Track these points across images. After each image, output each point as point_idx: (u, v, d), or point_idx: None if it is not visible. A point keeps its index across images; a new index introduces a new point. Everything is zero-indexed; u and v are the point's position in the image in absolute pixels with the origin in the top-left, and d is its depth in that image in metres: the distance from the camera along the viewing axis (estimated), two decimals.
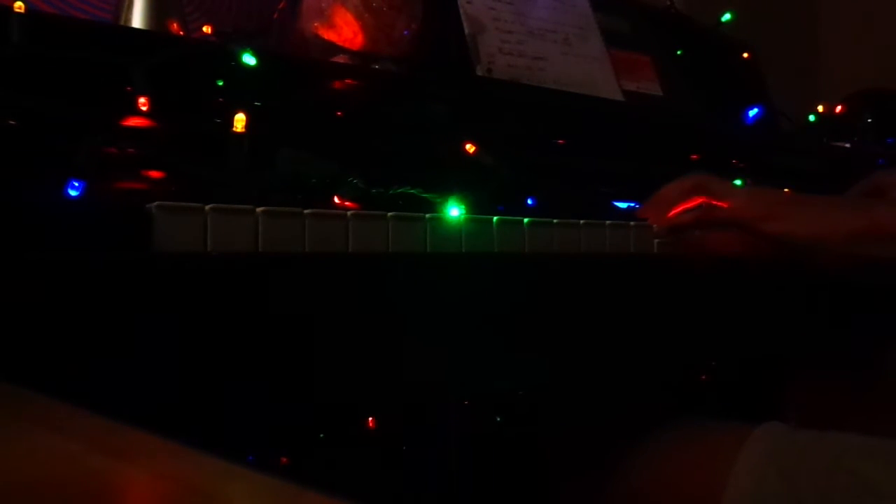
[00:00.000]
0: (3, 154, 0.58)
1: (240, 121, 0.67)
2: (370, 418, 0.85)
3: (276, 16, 1.10)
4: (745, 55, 1.49)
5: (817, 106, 1.66)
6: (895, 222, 0.91)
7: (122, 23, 1.00)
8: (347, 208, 0.70)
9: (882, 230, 0.91)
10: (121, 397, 0.53)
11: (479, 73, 1.02)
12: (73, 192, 0.56)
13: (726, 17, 1.45)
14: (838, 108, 1.66)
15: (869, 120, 1.64)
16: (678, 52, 1.34)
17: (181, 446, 0.31)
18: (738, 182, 1.04)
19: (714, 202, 0.94)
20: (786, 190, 1.06)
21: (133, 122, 0.65)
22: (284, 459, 0.77)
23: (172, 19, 1.03)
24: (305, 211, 0.64)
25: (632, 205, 0.97)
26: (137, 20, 1.00)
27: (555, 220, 0.81)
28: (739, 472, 0.77)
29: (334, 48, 1.01)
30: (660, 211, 0.94)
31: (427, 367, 0.74)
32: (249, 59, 0.76)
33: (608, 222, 0.85)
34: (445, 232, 0.72)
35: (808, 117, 1.64)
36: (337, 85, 0.90)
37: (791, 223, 0.92)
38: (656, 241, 0.91)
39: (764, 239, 0.94)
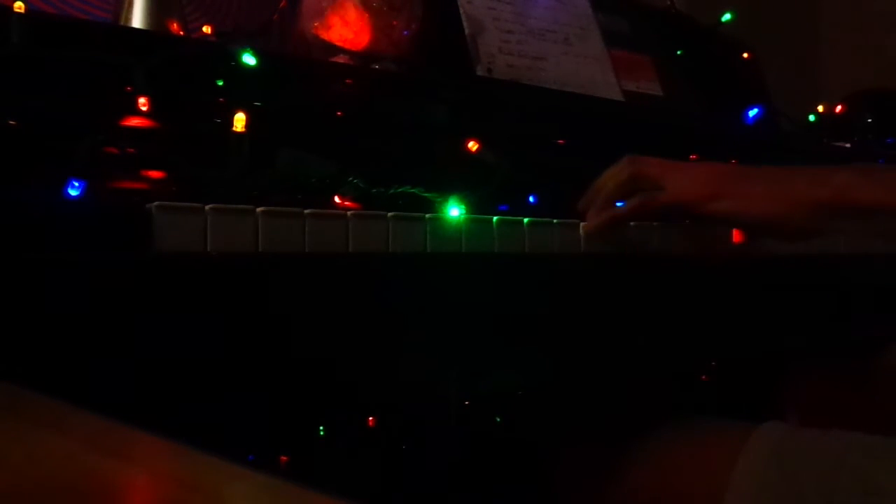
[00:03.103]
0: (3, 154, 0.58)
1: (240, 121, 0.67)
2: (370, 418, 0.85)
3: (276, 16, 1.10)
4: (745, 55, 1.49)
5: (817, 106, 1.66)
6: (863, 189, 0.78)
7: (122, 23, 1.00)
8: (347, 208, 0.70)
9: (847, 201, 0.78)
10: (121, 397, 0.53)
11: (479, 73, 1.02)
12: (73, 192, 0.56)
13: (726, 17, 1.45)
14: (838, 108, 1.65)
15: (869, 120, 1.64)
16: (678, 52, 1.34)
17: (181, 446, 0.31)
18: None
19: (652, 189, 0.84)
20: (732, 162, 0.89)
21: (133, 122, 0.65)
22: (284, 458, 0.77)
23: (172, 19, 1.03)
24: (305, 211, 0.64)
25: None
26: (137, 20, 1.00)
27: (555, 220, 0.81)
28: (742, 472, 0.77)
29: (334, 48, 1.01)
30: (598, 208, 0.85)
31: (427, 367, 0.74)
32: (249, 59, 0.75)
33: None
34: (445, 232, 0.72)
35: (808, 117, 1.64)
36: (337, 85, 0.90)
37: (739, 201, 0.81)
38: (585, 237, 0.83)
39: (712, 222, 0.85)
